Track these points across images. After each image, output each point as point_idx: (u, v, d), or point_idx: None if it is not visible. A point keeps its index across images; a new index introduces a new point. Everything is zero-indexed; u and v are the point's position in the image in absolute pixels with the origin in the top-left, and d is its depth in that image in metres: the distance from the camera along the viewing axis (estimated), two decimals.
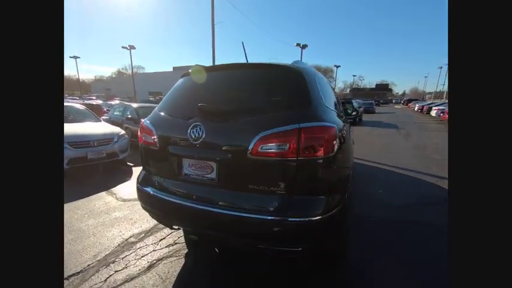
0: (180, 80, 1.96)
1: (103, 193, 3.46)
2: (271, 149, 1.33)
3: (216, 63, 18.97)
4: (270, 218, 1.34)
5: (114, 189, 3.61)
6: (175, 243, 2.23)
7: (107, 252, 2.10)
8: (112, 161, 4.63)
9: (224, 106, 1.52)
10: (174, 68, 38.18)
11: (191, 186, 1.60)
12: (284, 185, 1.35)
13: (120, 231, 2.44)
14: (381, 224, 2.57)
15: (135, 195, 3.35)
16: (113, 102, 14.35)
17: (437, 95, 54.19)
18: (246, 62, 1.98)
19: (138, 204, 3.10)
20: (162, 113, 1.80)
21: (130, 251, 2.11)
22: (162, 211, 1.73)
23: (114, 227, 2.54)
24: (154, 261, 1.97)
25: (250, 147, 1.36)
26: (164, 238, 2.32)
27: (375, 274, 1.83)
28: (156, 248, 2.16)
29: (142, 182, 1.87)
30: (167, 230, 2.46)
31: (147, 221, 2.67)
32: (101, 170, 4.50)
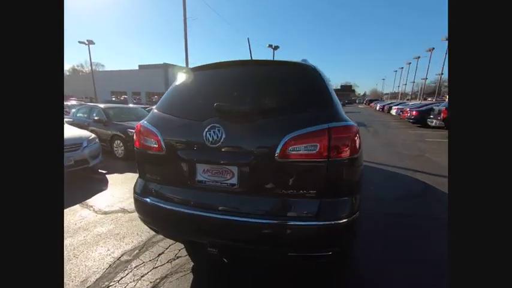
0: (182, 78, 1.77)
1: (77, 206, 3.02)
2: (300, 150, 1.26)
3: (189, 63, 18.23)
4: (301, 223, 1.27)
5: (90, 201, 3.18)
6: (177, 257, 2.02)
7: (98, 276, 1.81)
8: (82, 169, 4.09)
9: (242, 106, 1.41)
10: (140, 66, 35.68)
11: (206, 194, 1.45)
12: (314, 188, 1.30)
13: (108, 250, 2.14)
14: (386, 217, 2.68)
15: (118, 206, 3.04)
16: (69, 103, 12.83)
17: (393, 95, 60.14)
18: (251, 58, 1.88)
19: (123, 217, 2.78)
20: (165, 114, 1.61)
21: (126, 272, 1.85)
22: (171, 224, 1.55)
23: (99, 245, 2.21)
24: (158, 281, 1.75)
25: (278, 149, 1.27)
26: (163, 253, 2.09)
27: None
28: (156, 265, 1.93)
29: (141, 192, 1.65)
30: (163, 243, 2.23)
31: (138, 234, 2.39)
32: (69, 179, 3.94)
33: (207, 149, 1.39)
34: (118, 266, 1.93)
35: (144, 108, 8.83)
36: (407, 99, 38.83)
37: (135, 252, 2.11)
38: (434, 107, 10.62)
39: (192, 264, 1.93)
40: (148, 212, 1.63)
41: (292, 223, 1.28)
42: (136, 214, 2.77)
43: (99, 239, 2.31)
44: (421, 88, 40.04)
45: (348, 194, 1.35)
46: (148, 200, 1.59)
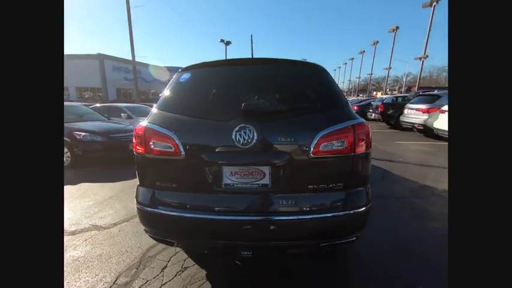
0: (188, 75, 1.63)
1: None
2: (331, 146, 1.35)
3: (136, 55, 16.28)
4: (333, 214, 1.37)
5: None
6: (185, 268, 1.88)
7: None
8: None
9: (270, 105, 1.40)
10: (67, 56, 29.93)
11: (235, 197, 1.40)
12: (341, 181, 1.41)
13: (96, 275, 1.82)
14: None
15: (86, 223, 2.59)
16: None
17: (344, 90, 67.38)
18: (252, 56, 1.86)
19: (99, 235, 2.39)
20: (178, 115, 1.46)
21: None
22: (196, 233, 1.43)
23: (81, 272, 1.86)
24: None
25: (312, 146, 1.33)
26: (166, 266, 1.91)
27: None
28: (164, 281, 1.75)
29: (149, 202, 1.48)
30: (162, 256, 2.03)
31: (127, 251, 2.10)
32: None
33: (236, 150, 1.34)
34: None
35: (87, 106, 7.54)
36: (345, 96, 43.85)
37: (133, 271, 1.86)
38: (372, 102, 12.45)
39: (204, 272, 1.83)
40: (162, 223, 1.47)
41: (325, 215, 1.36)
42: (116, 229, 2.46)
43: (78, 264, 1.94)
44: (354, 86, 46.15)
45: (365, 184, 1.51)
46: (160, 210, 1.43)
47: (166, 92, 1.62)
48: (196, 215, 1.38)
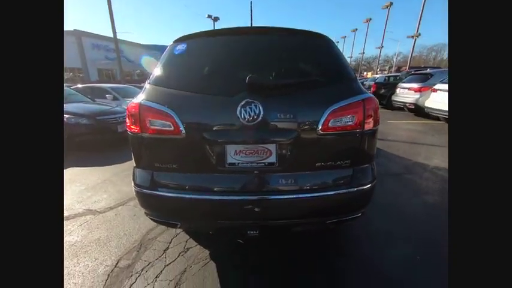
0: (183, 47, 1.47)
1: None
2: (340, 122, 1.29)
3: (117, 31, 15.09)
4: (340, 191, 1.35)
5: None
6: (188, 249, 1.86)
7: None
8: None
9: (277, 78, 1.29)
10: None
11: (239, 176, 1.35)
12: (349, 158, 1.37)
13: (96, 259, 1.78)
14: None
15: (80, 208, 2.50)
16: None
17: None
18: (251, 25, 1.71)
19: (94, 219, 2.32)
20: (176, 90, 1.34)
21: (134, 278, 1.60)
22: (201, 214, 1.39)
23: (79, 257, 1.81)
24: (178, 277, 1.59)
25: (321, 122, 1.26)
26: (168, 248, 1.88)
27: None
28: (167, 262, 1.73)
29: (148, 184, 1.40)
30: (162, 238, 2.00)
31: (125, 234, 2.05)
32: None
33: (241, 128, 1.26)
34: (119, 274, 1.64)
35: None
36: None
37: (134, 254, 1.82)
38: (364, 82, 12.40)
39: (207, 251, 1.82)
40: (163, 205, 1.40)
41: (332, 193, 1.34)
42: (112, 213, 2.39)
43: (75, 249, 1.88)
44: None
45: (371, 161, 1.49)
46: (161, 192, 1.36)
47: (160, 66, 1.47)
48: (200, 196, 1.32)
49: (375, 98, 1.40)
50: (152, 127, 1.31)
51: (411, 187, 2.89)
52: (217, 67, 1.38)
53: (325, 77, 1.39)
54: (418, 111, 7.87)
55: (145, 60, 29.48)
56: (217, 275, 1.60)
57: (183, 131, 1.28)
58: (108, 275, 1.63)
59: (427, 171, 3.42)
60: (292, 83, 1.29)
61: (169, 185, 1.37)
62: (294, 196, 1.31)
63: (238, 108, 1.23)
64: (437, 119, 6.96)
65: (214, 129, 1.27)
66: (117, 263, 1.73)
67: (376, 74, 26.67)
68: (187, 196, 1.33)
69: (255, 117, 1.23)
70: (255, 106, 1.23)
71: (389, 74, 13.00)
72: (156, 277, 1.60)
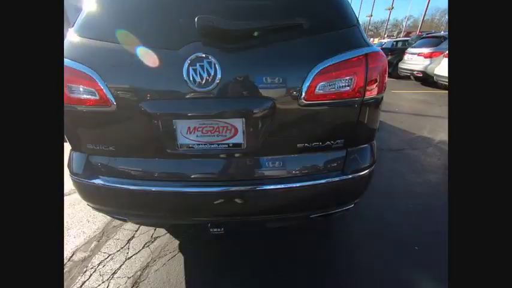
0: None
1: None
2: (332, 87, 0.92)
3: None
4: (329, 180, 1.04)
5: None
6: (155, 238, 1.63)
7: None
8: None
9: (238, 20, 0.88)
10: None
11: (196, 162, 1.03)
12: (342, 137, 1.03)
13: None
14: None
15: None
16: None
17: None
18: None
19: None
20: (102, 41, 0.94)
21: (88, 273, 1.39)
22: (149, 209, 1.10)
23: None
24: (138, 274, 1.38)
25: (305, 87, 0.90)
26: (133, 237, 1.66)
27: None
28: (129, 255, 1.51)
29: (83, 172, 1.09)
30: (130, 225, 1.77)
31: (88, 221, 1.82)
32: None
33: (192, 95, 0.89)
34: (72, 269, 1.43)
35: None
36: None
37: (93, 244, 1.60)
38: None
39: (177, 242, 1.60)
40: (105, 198, 1.11)
41: (317, 182, 1.03)
42: (77, 196, 2.14)
43: None
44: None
45: (370, 139, 1.15)
46: (99, 181, 1.06)
47: (85, 9, 1.04)
48: (145, 188, 1.02)
49: (382, 53, 1.01)
50: (72, 95, 0.95)
51: (413, 165, 2.60)
52: (154, 5, 0.95)
53: (313, 20, 0.96)
54: (426, 79, 7.28)
55: None
56: (184, 273, 1.38)
57: (113, 101, 0.91)
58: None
59: (432, 146, 3.11)
60: (264, 29, 0.88)
61: (105, 172, 1.06)
62: (268, 187, 1.01)
63: (185, 67, 0.85)
64: (446, 88, 6.44)
65: (155, 97, 0.91)
66: (71, 256, 1.51)
67: (383, 39, 24.67)
68: (129, 187, 1.03)
69: (209, 79, 0.86)
70: (209, 64, 0.85)
71: (398, 39, 11.89)
72: (114, 273, 1.39)
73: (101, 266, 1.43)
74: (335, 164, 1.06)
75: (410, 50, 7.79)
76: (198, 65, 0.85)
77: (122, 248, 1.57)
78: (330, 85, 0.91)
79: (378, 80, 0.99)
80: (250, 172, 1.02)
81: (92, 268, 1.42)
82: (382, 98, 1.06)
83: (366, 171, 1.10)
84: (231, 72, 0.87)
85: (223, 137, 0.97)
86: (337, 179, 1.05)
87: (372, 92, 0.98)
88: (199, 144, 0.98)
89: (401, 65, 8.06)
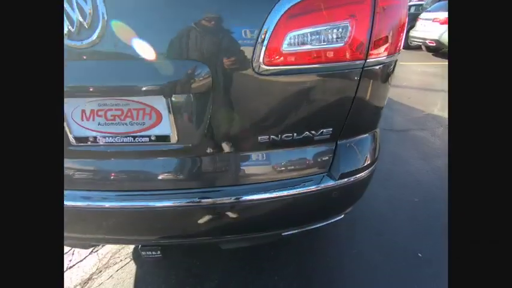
0: None
1: None
2: (311, 41, 0.54)
3: None
4: (308, 188, 0.70)
5: None
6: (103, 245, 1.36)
7: None
8: None
9: None
10: None
11: (105, 163, 0.69)
12: (330, 124, 0.67)
13: None
14: None
15: None
16: None
17: None
18: None
19: None
20: None
21: None
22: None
23: None
24: None
25: (264, 43, 0.51)
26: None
27: None
28: (72, 263, 1.25)
29: None
30: None
31: None
32: None
33: (67, 53, 0.52)
34: None
35: None
36: None
37: None
38: None
39: (132, 246, 1.33)
40: None
41: (289, 192, 0.70)
42: None
43: None
44: None
45: (372, 127, 0.80)
46: None
47: None
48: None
49: None
50: None
51: (419, 149, 2.25)
52: None
53: None
54: (438, 50, 6.61)
55: None
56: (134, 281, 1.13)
57: None
58: None
59: (443, 126, 2.73)
60: None
61: None
62: (213, 200, 0.68)
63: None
64: None
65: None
66: None
67: None
68: None
69: (86, 24, 0.48)
70: None
71: (411, 3, 10.69)
72: None
73: None
74: (318, 164, 0.72)
75: (424, 15, 6.95)
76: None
77: (65, 253, 1.31)
78: (306, 37, 0.53)
79: (392, 33, 0.60)
80: (189, 178, 0.68)
81: None
82: (395, 62, 0.68)
83: (364, 173, 0.76)
84: (125, 9, 0.49)
85: (140, 126, 0.62)
86: (320, 185, 0.71)
87: (381, 51, 0.60)
88: (105, 137, 0.63)
89: (413, 33, 7.26)
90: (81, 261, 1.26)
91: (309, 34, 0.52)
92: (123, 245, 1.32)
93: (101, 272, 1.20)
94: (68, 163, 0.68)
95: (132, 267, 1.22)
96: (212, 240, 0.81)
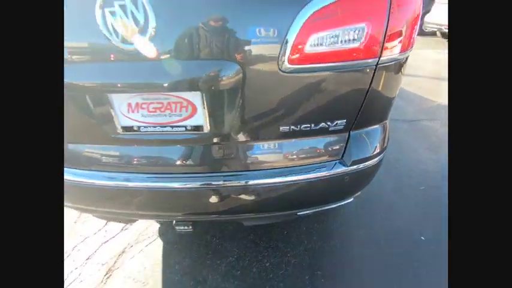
0: None
1: None
2: (332, 42, 0.60)
3: None
4: (322, 173, 0.79)
5: None
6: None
7: None
8: None
9: None
10: None
11: (147, 149, 0.79)
12: (344, 116, 0.75)
13: None
14: None
15: None
16: None
17: None
18: None
19: None
20: None
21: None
22: (101, 204, 0.92)
23: None
24: (113, 261, 1.28)
25: (289, 44, 0.59)
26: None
27: None
28: (106, 238, 1.40)
29: None
30: None
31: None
32: None
33: (118, 54, 0.61)
34: None
35: None
36: None
37: (70, 226, 1.50)
38: None
39: (158, 225, 1.47)
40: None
41: (307, 176, 0.79)
42: None
43: None
44: None
45: (382, 119, 0.86)
46: None
47: None
48: (94, 180, 0.81)
49: None
50: None
51: (428, 139, 2.28)
52: None
53: None
54: None
55: None
56: (162, 261, 1.27)
57: None
58: None
59: None
60: None
61: None
62: (240, 182, 0.78)
63: (97, 8, 0.55)
64: None
65: (73, 61, 0.63)
66: None
67: None
68: (75, 179, 0.83)
69: (138, 29, 0.56)
70: (134, 3, 0.54)
71: None
72: (87, 259, 1.30)
73: (75, 251, 1.34)
74: (332, 152, 0.80)
75: None
76: (116, 4, 0.54)
77: (99, 230, 1.46)
78: (327, 39, 0.59)
79: (404, 31, 0.65)
80: (218, 163, 0.78)
81: (65, 253, 1.34)
82: (406, 58, 0.74)
83: (373, 160, 0.84)
84: (171, 16, 0.57)
85: (177, 117, 0.71)
86: (334, 170, 0.80)
87: (393, 49, 0.66)
88: (147, 127, 0.73)
89: (428, 19, 6.96)
90: (113, 237, 1.42)
91: (329, 36, 0.59)
92: (150, 223, 1.47)
93: (132, 246, 1.35)
94: (114, 149, 0.78)
95: (159, 243, 1.37)
96: (238, 217, 0.92)
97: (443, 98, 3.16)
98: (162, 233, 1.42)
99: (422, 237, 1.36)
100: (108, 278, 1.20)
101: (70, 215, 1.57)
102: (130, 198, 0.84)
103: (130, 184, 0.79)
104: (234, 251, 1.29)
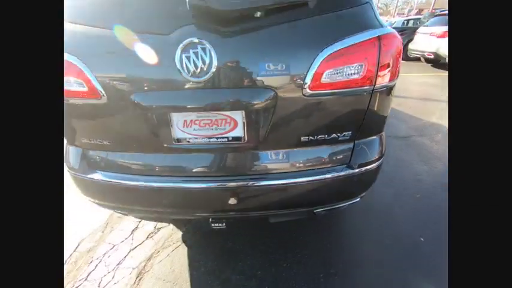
0: None
1: None
2: (340, 75, 0.84)
3: None
4: (335, 175, 0.99)
5: None
6: (159, 229, 1.63)
7: None
8: None
9: (238, 0, 0.78)
10: None
11: (194, 156, 0.98)
12: (349, 128, 0.96)
13: None
14: None
15: None
16: None
17: None
18: None
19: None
20: (88, 26, 0.85)
21: (93, 264, 1.41)
22: (150, 204, 1.08)
23: None
24: (142, 264, 1.39)
25: (310, 75, 0.82)
26: (137, 228, 1.66)
27: None
28: (134, 245, 1.52)
29: (80, 166, 1.06)
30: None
31: (92, 211, 1.83)
32: None
33: (186, 85, 0.82)
34: (78, 258, 1.45)
35: None
36: None
37: (98, 235, 1.62)
38: None
39: (180, 233, 1.60)
40: (102, 193, 1.09)
41: (322, 177, 0.98)
42: None
43: None
44: None
45: (379, 131, 1.08)
46: (96, 176, 1.03)
47: None
48: (144, 183, 0.99)
49: (397, 35, 0.91)
50: (64, 87, 0.89)
51: (420, 153, 2.52)
52: None
53: None
54: (437, 61, 6.96)
55: None
56: (188, 263, 1.39)
57: (102, 93, 0.85)
58: (65, 261, 1.44)
59: (441, 132, 3.00)
60: (264, 8, 0.79)
61: (104, 167, 1.03)
62: (270, 182, 0.96)
63: (177, 54, 0.78)
64: None
65: (146, 89, 0.84)
66: (77, 247, 1.53)
67: (393, 17, 23.27)
68: (126, 182, 1.00)
69: (205, 68, 0.79)
70: (204, 50, 0.77)
71: (409, 17, 11.22)
72: (118, 264, 1.41)
73: (105, 257, 1.45)
74: (341, 158, 1.00)
75: (421, 29, 7.37)
76: (191, 51, 0.77)
77: (126, 238, 1.58)
78: (337, 73, 0.83)
79: (391, 66, 0.90)
80: (252, 166, 0.98)
81: (97, 259, 1.44)
82: (394, 85, 0.98)
83: (374, 164, 1.05)
84: (228, 59, 0.80)
85: (222, 130, 0.92)
86: (343, 173, 0.99)
87: (384, 79, 0.90)
88: (197, 138, 0.93)
89: (411, 46, 7.67)
90: (140, 244, 1.54)
91: (338, 71, 0.83)
92: (174, 231, 1.60)
93: (159, 252, 1.47)
94: (169, 157, 0.97)
95: (183, 248, 1.49)
96: (265, 214, 1.09)
97: (430, 116, 3.47)
98: (185, 240, 1.55)
99: (422, 239, 1.52)
100: (140, 279, 1.31)
101: (97, 225, 1.69)
102: (178, 197, 1.01)
103: (180, 185, 0.97)
104: (252, 254, 1.42)
